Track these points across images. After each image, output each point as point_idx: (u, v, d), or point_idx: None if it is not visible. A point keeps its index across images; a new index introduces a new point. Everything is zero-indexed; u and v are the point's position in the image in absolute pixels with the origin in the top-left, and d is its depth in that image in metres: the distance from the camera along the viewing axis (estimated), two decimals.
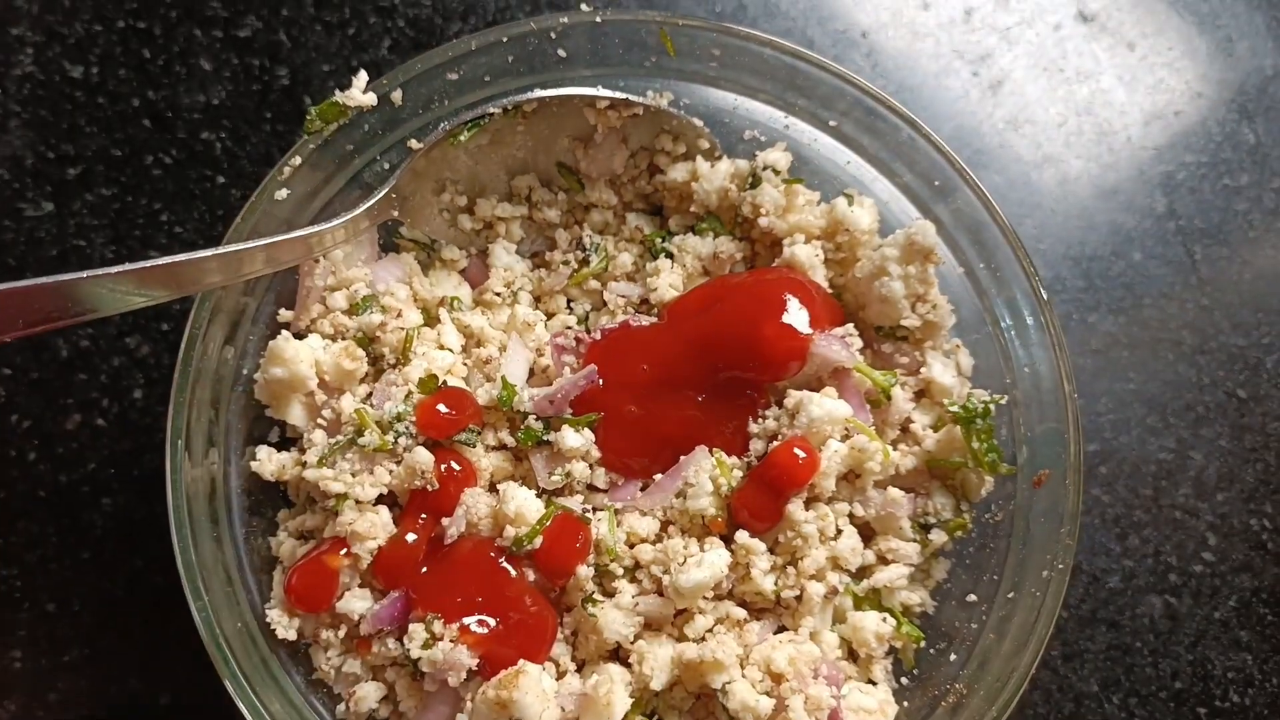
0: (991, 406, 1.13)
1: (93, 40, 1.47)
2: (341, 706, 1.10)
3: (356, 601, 1.08)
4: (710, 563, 1.10)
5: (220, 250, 1.01)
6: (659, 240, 1.26)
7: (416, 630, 1.06)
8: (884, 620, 1.15)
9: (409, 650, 1.06)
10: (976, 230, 1.21)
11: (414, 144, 1.18)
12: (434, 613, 1.07)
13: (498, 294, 1.24)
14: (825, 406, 1.13)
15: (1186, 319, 1.49)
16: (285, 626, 1.07)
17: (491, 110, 1.18)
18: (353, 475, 1.10)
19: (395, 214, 1.18)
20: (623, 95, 1.20)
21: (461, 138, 1.18)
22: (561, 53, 1.19)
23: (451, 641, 1.06)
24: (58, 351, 1.38)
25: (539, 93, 1.19)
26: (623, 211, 1.29)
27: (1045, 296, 1.17)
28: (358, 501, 1.09)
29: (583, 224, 1.28)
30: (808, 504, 1.14)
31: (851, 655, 1.17)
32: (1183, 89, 1.56)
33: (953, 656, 1.14)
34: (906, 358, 1.21)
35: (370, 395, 1.16)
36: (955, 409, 1.14)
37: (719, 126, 1.26)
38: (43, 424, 1.37)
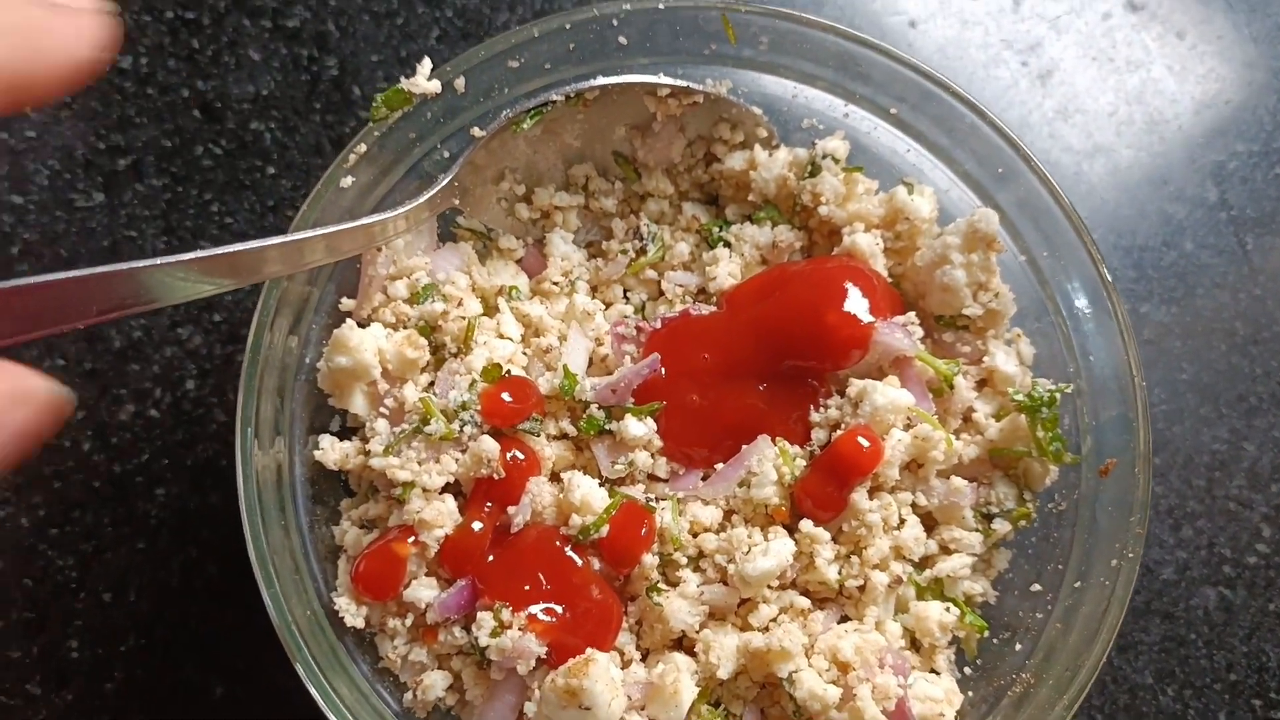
0: (1057, 395, 1.12)
1: (142, 31, 1.47)
2: (408, 695, 1.10)
3: (423, 590, 1.08)
4: (776, 551, 1.09)
5: (283, 239, 1.00)
6: (716, 229, 1.26)
7: (484, 618, 1.06)
8: (947, 610, 1.14)
9: (476, 639, 1.06)
10: (1038, 217, 1.20)
11: (476, 131, 1.18)
12: (501, 601, 1.07)
13: (555, 283, 1.24)
14: (888, 395, 1.13)
15: (1239, 309, 1.48)
16: (353, 614, 1.07)
17: (554, 97, 1.17)
18: (419, 464, 1.09)
19: (456, 203, 1.18)
20: (684, 83, 1.20)
21: (524, 125, 1.17)
22: (622, 40, 1.19)
23: (519, 630, 1.05)
24: (111, 342, 1.38)
25: (601, 80, 1.18)
26: (679, 201, 1.29)
27: (1110, 282, 1.16)
28: (424, 490, 1.08)
29: (639, 213, 1.28)
30: (871, 493, 1.14)
31: (914, 645, 1.16)
32: (1234, 77, 1.55)
33: (1018, 646, 1.14)
34: (968, 347, 1.20)
35: (432, 384, 1.15)
36: (1020, 398, 1.13)
37: (777, 115, 1.25)
38: (97, 414, 1.37)
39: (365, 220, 1.09)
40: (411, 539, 1.07)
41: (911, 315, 1.18)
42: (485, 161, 1.20)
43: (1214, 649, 1.39)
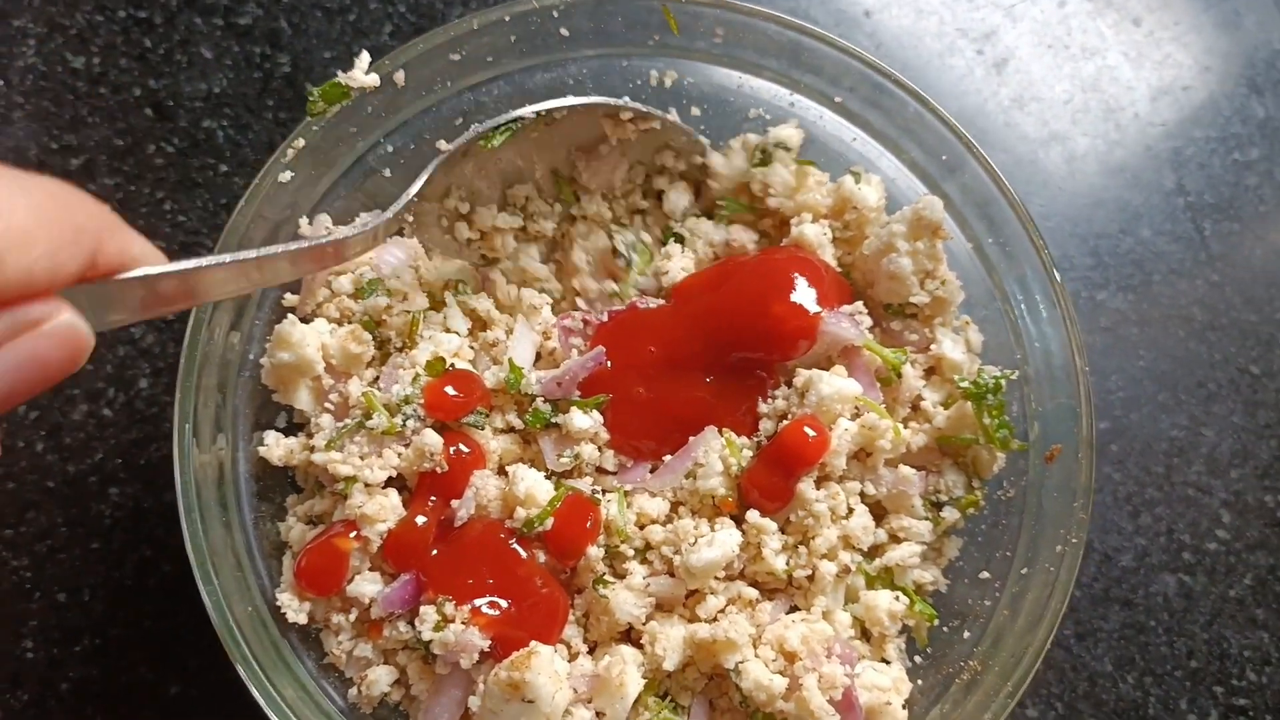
0: (1002, 382, 1.12)
1: (94, 30, 1.46)
2: (353, 690, 1.09)
3: (367, 585, 1.07)
4: (721, 542, 1.09)
5: (238, 257, 0.93)
6: (674, 224, 1.26)
7: (428, 613, 1.06)
8: (897, 599, 1.14)
9: (420, 633, 1.05)
10: (985, 205, 1.20)
11: (442, 145, 1.18)
12: (445, 595, 1.06)
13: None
14: (835, 385, 1.13)
15: (1197, 295, 1.48)
16: (296, 610, 1.07)
17: (525, 114, 1.17)
18: (361, 458, 1.09)
19: (410, 219, 1.18)
20: (649, 109, 1.21)
21: (495, 142, 1.17)
22: (564, 32, 1.19)
23: (463, 623, 1.05)
24: None
25: (572, 100, 1.19)
26: (628, 214, 1.29)
27: (1055, 271, 1.16)
28: (366, 484, 1.08)
29: (572, 238, 1.28)
30: (819, 483, 1.13)
31: (864, 634, 1.16)
32: (1190, 64, 1.55)
33: (966, 634, 1.13)
34: (916, 335, 1.20)
35: (377, 379, 1.15)
36: (965, 385, 1.13)
37: (724, 105, 1.25)
38: (50, 415, 1.36)
39: (323, 239, 1.06)
40: (354, 534, 1.07)
41: (859, 305, 1.17)
42: (439, 178, 1.19)
43: (1174, 636, 1.39)
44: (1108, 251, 1.48)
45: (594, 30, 1.20)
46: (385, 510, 1.08)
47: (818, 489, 1.12)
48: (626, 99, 1.20)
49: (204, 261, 0.87)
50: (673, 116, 1.22)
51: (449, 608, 1.06)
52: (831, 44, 1.19)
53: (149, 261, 0.80)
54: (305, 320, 1.14)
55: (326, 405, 1.14)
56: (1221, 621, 1.39)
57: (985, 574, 1.15)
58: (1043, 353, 1.17)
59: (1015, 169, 1.50)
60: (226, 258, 0.90)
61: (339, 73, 1.12)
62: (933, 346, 1.19)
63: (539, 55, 1.20)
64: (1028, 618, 1.09)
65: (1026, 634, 1.08)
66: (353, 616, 1.09)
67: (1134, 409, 1.44)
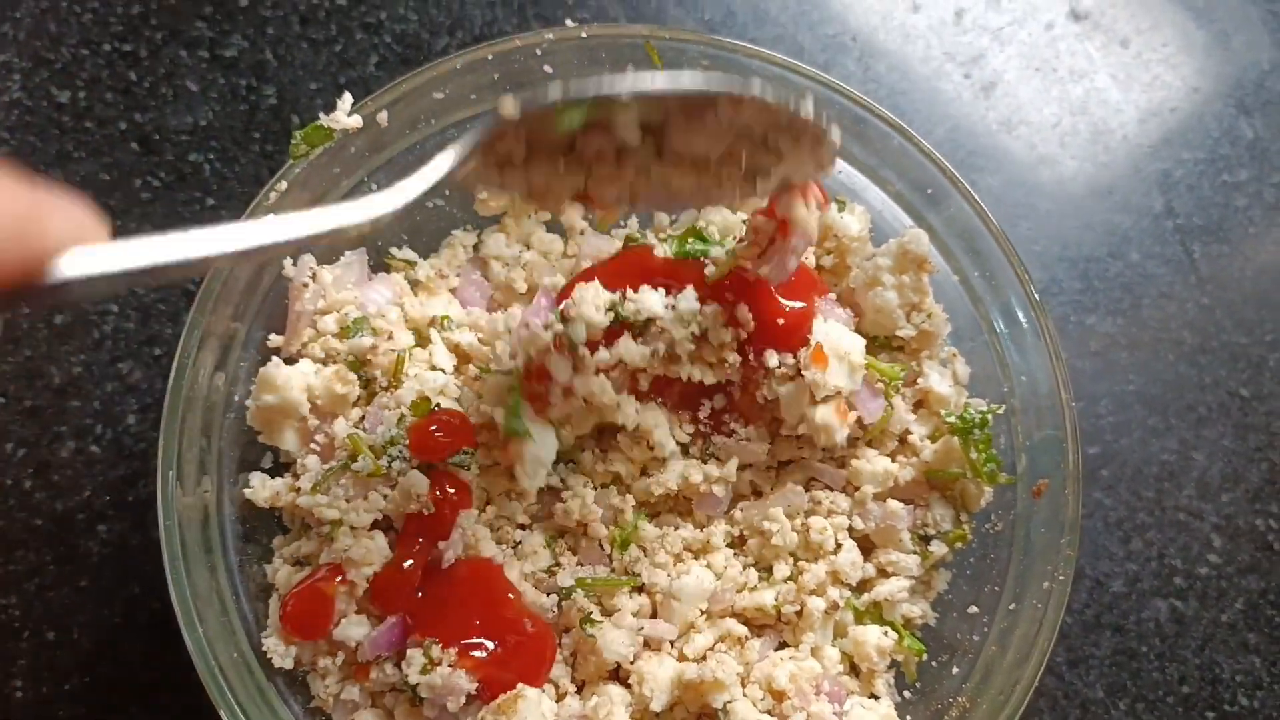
0: (989, 417, 1.12)
1: (79, 64, 1.46)
2: None
3: (353, 628, 1.07)
4: (699, 575, 1.10)
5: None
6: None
7: (414, 655, 1.05)
8: (885, 634, 1.14)
9: (407, 676, 1.05)
10: (970, 237, 1.20)
11: (508, 106, 0.86)
12: (432, 637, 1.06)
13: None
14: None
15: (1187, 318, 1.47)
16: (282, 655, 1.07)
17: (620, 94, 0.87)
18: (347, 501, 1.09)
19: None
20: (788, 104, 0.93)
21: (574, 123, 0.89)
22: (548, 69, 1.18)
23: (450, 666, 1.05)
24: (50, 379, 1.38)
25: (688, 84, 0.90)
26: None
27: (1040, 302, 1.16)
28: (352, 528, 1.08)
29: None
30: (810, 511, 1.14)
31: (853, 670, 1.16)
32: (1179, 85, 1.55)
33: (955, 669, 1.13)
34: (903, 369, 1.20)
35: (363, 419, 1.15)
36: (952, 420, 1.13)
37: None
38: (37, 451, 1.36)
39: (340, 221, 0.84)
40: (339, 578, 1.07)
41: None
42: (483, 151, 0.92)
43: (1166, 661, 1.38)
44: (1097, 275, 1.48)
45: (578, 66, 1.19)
46: (371, 554, 1.07)
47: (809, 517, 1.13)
48: (756, 83, 0.88)
49: (167, 254, 0.71)
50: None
51: (436, 650, 1.06)
52: (814, 78, 1.19)
53: (88, 238, 0.67)
54: (290, 361, 1.14)
55: (312, 446, 1.14)
56: (1213, 646, 1.39)
57: (974, 608, 1.15)
58: (1029, 384, 1.17)
59: (1004, 192, 1.49)
60: (189, 242, 0.72)
61: (321, 115, 1.12)
62: (920, 380, 1.18)
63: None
64: (1016, 653, 1.09)
65: (1015, 670, 1.08)
66: (339, 660, 1.09)
67: (1124, 433, 1.43)
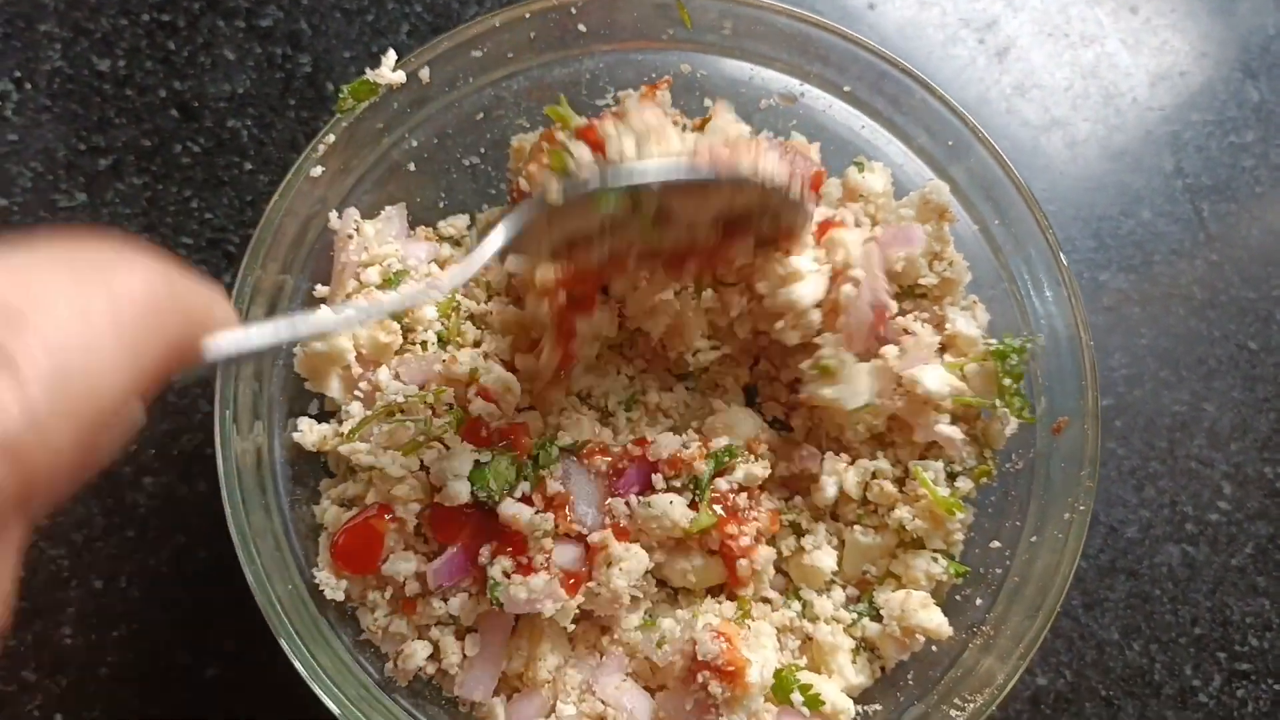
0: (1027, 345, 1.16)
1: (119, 34, 1.50)
2: (389, 665, 1.13)
3: (402, 563, 1.11)
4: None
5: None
6: None
7: (494, 570, 1.09)
8: (934, 560, 1.18)
9: (493, 582, 1.09)
10: (990, 188, 1.23)
11: (554, 198, 0.95)
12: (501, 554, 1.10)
13: None
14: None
15: (1196, 274, 1.52)
16: (334, 588, 1.11)
17: (652, 184, 0.97)
18: (384, 450, 1.13)
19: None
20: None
21: (610, 207, 0.98)
22: (581, 28, 1.23)
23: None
24: None
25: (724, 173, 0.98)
26: None
27: (1060, 249, 1.20)
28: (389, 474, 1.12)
29: None
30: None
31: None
32: (1187, 49, 1.59)
33: (979, 601, 1.17)
34: (927, 314, 1.24)
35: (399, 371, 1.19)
36: (994, 346, 1.17)
37: (736, 96, 1.29)
38: None
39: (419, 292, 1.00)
40: (389, 515, 1.11)
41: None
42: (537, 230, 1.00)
43: (1178, 604, 1.43)
44: (1109, 233, 1.52)
45: (610, 26, 1.24)
46: (416, 490, 1.12)
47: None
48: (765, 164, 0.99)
49: (297, 329, 0.83)
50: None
51: (507, 563, 1.09)
52: (839, 34, 1.23)
53: (228, 322, 0.73)
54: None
55: (356, 393, 1.18)
56: (1224, 590, 1.43)
57: (996, 543, 1.19)
58: (1048, 329, 1.20)
59: (1018, 155, 1.54)
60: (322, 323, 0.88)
61: (367, 70, 1.16)
62: (946, 325, 1.22)
63: (556, 51, 1.24)
64: (1038, 584, 1.13)
65: (1037, 598, 1.12)
66: (388, 594, 1.13)
67: (1137, 385, 1.48)
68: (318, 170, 1.16)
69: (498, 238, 0.97)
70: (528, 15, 1.20)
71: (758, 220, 1.06)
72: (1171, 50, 1.59)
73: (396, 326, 1.18)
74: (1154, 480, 1.45)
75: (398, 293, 1.04)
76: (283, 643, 1.05)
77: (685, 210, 1.02)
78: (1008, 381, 1.15)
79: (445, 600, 1.11)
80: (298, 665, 1.05)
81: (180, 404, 1.41)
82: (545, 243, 1.02)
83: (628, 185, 0.95)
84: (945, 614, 1.19)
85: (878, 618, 1.18)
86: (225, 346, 0.72)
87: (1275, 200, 1.55)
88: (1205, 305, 1.51)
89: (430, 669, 1.14)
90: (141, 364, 0.61)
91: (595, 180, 0.95)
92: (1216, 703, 1.40)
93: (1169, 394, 1.48)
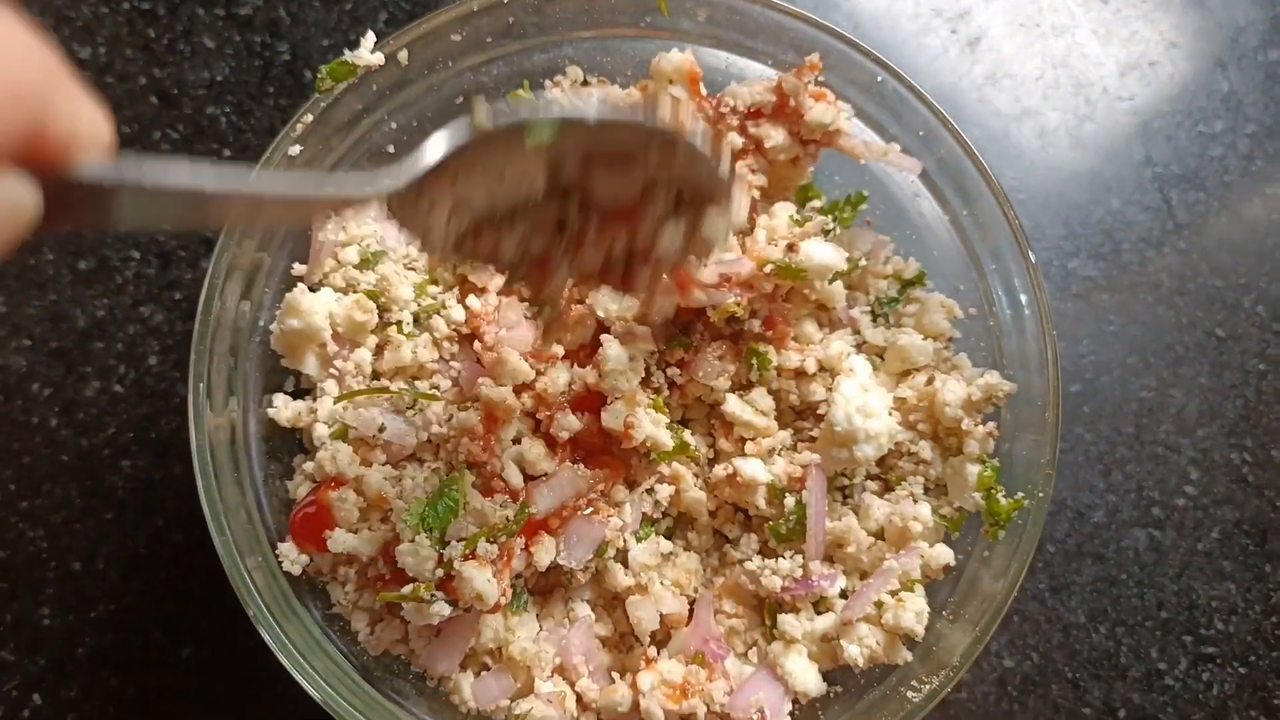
0: (1021, 504, 1.16)
1: (100, 22, 1.51)
2: (361, 637, 1.15)
3: (350, 539, 1.11)
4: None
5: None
6: None
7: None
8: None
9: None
10: (960, 179, 1.25)
11: (481, 116, 0.85)
12: None
13: None
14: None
15: (1164, 262, 1.54)
16: (293, 561, 1.12)
17: (588, 117, 0.89)
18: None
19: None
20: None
21: (544, 138, 0.88)
22: (559, 14, 1.24)
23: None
24: (75, 322, 1.43)
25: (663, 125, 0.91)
26: None
27: (1026, 244, 1.21)
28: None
29: None
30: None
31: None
32: (1157, 40, 1.61)
33: (941, 589, 1.19)
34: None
35: (381, 348, 1.20)
36: (986, 470, 1.17)
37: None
38: (63, 391, 1.41)
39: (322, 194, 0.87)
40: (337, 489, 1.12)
41: None
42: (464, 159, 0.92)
43: (1145, 588, 1.45)
44: (1079, 221, 1.54)
45: (588, 13, 1.25)
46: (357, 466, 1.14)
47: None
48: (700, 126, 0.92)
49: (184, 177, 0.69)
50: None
51: None
52: (813, 24, 1.25)
53: (97, 138, 0.64)
54: (313, 289, 1.19)
55: (331, 371, 1.19)
56: (1190, 574, 1.45)
57: (955, 533, 1.20)
58: (1014, 318, 1.22)
59: (989, 144, 1.56)
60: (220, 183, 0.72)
61: (346, 51, 1.18)
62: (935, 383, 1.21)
63: (535, 37, 1.26)
64: (996, 568, 1.15)
65: (994, 583, 1.14)
66: (355, 569, 1.14)
67: (1104, 372, 1.50)
68: (295, 150, 1.17)
69: (442, 138, 0.86)
70: (505, 1, 1.21)
71: (686, 204, 0.99)
72: (1142, 40, 1.61)
73: (372, 306, 1.19)
74: (1121, 465, 1.48)
75: (330, 177, 0.99)
76: (250, 612, 1.06)
77: (608, 185, 0.95)
78: (986, 498, 1.17)
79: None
80: (265, 637, 1.06)
81: (158, 388, 1.42)
82: (450, 211, 0.92)
83: (561, 117, 0.88)
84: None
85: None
86: (98, 172, 0.63)
87: (1243, 189, 1.57)
88: (1173, 293, 1.53)
89: (400, 649, 1.15)
90: None
91: (527, 110, 0.87)
92: (1182, 685, 1.42)
93: (1137, 380, 1.50)
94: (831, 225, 1.23)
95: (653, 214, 0.98)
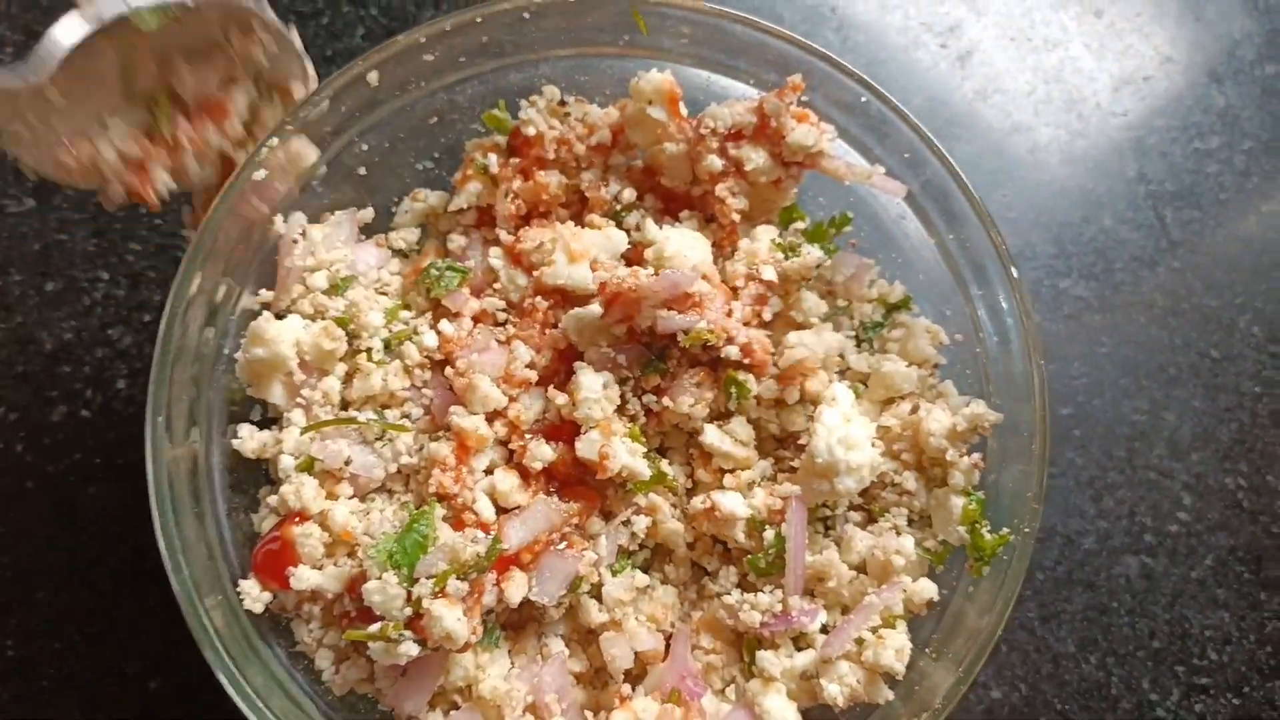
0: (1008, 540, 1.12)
1: None
2: (325, 676, 1.11)
3: (313, 576, 1.08)
4: None
5: None
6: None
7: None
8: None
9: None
10: (946, 201, 1.21)
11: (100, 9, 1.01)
12: None
13: None
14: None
15: (1158, 282, 1.51)
16: (254, 599, 1.08)
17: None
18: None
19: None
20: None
21: (151, 25, 1.03)
22: (536, 33, 1.21)
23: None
24: (41, 345, 1.40)
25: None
26: None
27: (1013, 266, 1.18)
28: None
29: None
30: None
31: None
32: (1151, 54, 1.58)
33: (925, 625, 1.16)
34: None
35: (350, 376, 1.17)
36: (971, 502, 1.14)
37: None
38: (29, 416, 1.38)
39: None
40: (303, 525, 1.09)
41: None
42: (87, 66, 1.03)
43: (1136, 617, 1.42)
44: (1070, 240, 1.51)
45: (565, 31, 1.22)
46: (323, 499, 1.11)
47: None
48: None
49: None
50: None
51: None
52: (796, 44, 1.21)
53: None
54: (279, 316, 1.16)
55: (299, 400, 1.16)
56: (1183, 602, 1.42)
57: (940, 567, 1.17)
58: (1001, 344, 1.19)
59: (980, 160, 1.52)
60: None
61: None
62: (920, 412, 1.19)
63: (511, 56, 1.22)
64: (981, 604, 1.11)
65: (979, 619, 1.11)
66: (320, 607, 1.11)
67: (1096, 394, 1.47)
68: (261, 174, 1.13)
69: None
70: (479, 19, 1.18)
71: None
72: (1136, 55, 1.58)
73: (341, 333, 1.16)
74: (1112, 490, 1.44)
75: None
76: (207, 654, 1.04)
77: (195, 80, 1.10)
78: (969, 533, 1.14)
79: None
80: (222, 679, 1.04)
81: (127, 412, 1.39)
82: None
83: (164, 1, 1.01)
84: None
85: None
86: None
87: (1239, 207, 1.54)
88: (1167, 313, 1.50)
89: (366, 688, 1.12)
90: None
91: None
92: (1174, 717, 1.40)
93: (1129, 403, 1.47)
94: (826, 260, 1.20)
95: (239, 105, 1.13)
